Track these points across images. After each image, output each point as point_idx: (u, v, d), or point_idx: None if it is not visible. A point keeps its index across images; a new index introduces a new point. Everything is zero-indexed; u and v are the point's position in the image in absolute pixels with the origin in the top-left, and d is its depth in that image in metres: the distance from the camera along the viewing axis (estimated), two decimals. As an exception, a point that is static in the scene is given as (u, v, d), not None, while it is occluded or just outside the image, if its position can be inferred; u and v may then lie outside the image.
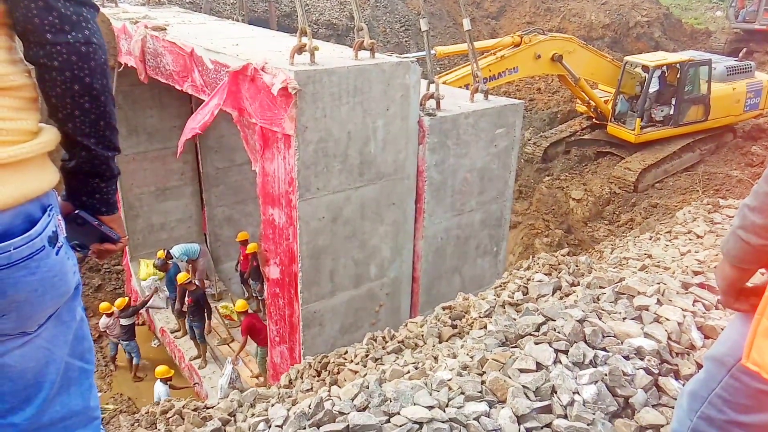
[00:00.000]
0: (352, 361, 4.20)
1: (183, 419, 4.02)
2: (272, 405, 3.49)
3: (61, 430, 1.65)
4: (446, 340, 3.87)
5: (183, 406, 4.22)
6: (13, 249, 1.38)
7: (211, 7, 16.87)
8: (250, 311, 8.53)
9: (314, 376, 4.29)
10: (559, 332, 2.83)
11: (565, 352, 2.70)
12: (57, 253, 1.50)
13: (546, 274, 4.34)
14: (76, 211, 1.68)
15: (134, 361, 9.39)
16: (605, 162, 15.12)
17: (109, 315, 9.16)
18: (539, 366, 2.63)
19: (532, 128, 17.27)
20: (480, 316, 3.88)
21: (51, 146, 1.52)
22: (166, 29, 7.03)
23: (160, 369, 8.04)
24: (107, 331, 9.29)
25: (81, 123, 1.55)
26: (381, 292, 6.52)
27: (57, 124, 1.56)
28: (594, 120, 15.81)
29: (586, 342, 2.78)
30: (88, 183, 1.67)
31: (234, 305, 9.69)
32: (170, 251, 9.38)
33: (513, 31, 15.96)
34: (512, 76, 13.05)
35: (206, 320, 8.73)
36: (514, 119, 6.77)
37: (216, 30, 7.71)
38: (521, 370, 2.60)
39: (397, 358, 3.82)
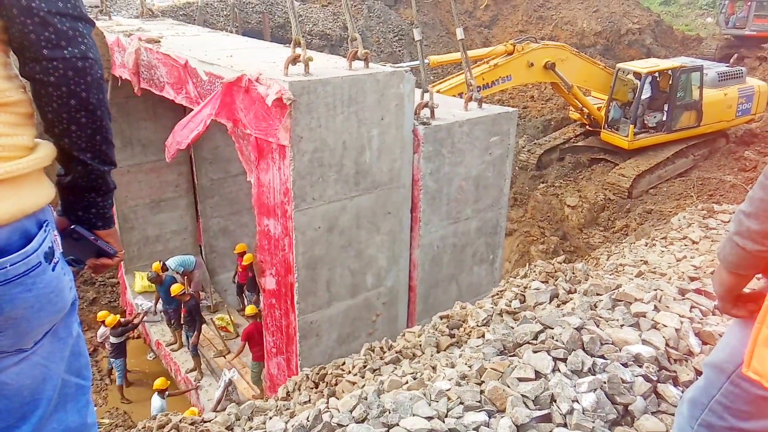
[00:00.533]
0: (350, 372, 4.18)
1: (180, 433, 3.98)
2: (270, 418, 3.47)
3: (58, 447, 1.63)
4: (444, 350, 3.86)
5: (180, 421, 4.18)
6: (10, 265, 1.37)
7: (205, 19, 16.91)
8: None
9: (312, 388, 4.27)
10: (557, 340, 2.82)
11: (564, 360, 2.70)
12: (53, 269, 1.49)
13: (543, 282, 4.34)
14: (72, 226, 1.67)
15: (117, 381, 9.11)
16: (599, 168, 15.19)
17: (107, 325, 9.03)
18: (538, 374, 2.63)
19: (526, 136, 17.34)
20: (477, 325, 3.87)
21: (47, 162, 1.51)
22: (159, 41, 7.04)
23: (158, 382, 7.94)
24: (105, 343, 9.15)
25: (77, 138, 1.55)
26: (378, 302, 6.51)
27: (53, 140, 1.55)
28: (587, 127, 15.89)
29: (584, 350, 2.78)
30: (84, 198, 1.66)
31: (230, 317, 9.68)
32: (166, 263, 9.34)
33: (506, 40, 16.07)
34: (505, 84, 13.11)
35: (199, 331, 8.65)
36: (508, 127, 6.80)
37: (210, 42, 7.73)
38: (520, 379, 2.60)
39: (395, 368, 3.80)
